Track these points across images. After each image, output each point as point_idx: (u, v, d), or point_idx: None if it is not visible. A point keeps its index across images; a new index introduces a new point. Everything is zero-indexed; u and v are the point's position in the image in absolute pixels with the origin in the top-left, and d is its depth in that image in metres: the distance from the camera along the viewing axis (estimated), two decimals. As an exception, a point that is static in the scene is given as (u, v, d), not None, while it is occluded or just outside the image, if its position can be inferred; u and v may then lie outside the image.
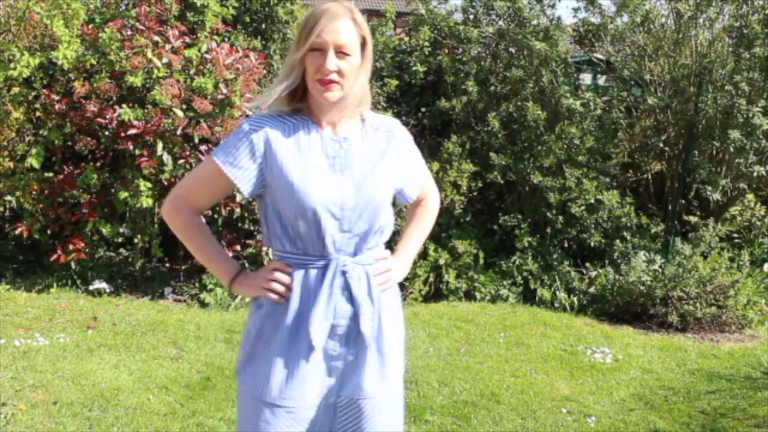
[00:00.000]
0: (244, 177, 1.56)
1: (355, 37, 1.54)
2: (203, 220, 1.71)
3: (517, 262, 5.49)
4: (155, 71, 4.54)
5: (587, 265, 5.49)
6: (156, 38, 4.66)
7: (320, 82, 1.52)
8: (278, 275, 1.59)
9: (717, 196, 5.47)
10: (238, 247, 4.97)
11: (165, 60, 4.56)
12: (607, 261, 5.44)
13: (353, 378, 1.62)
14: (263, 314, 1.62)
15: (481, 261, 5.56)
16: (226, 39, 5.38)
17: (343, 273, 1.58)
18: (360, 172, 1.58)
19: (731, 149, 5.40)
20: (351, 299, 1.59)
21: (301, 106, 1.61)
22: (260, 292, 1.60)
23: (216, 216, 4.89)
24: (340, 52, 1.52)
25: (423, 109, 6.23)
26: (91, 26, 4.77)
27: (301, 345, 1.57)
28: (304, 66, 1.54)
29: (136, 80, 4.47)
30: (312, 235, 1.55)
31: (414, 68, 6.09)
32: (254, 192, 1.59)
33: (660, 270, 5.02)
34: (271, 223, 1.60)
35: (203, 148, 4.76)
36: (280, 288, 1.58)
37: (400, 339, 1.72)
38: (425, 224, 1.87)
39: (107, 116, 4.52)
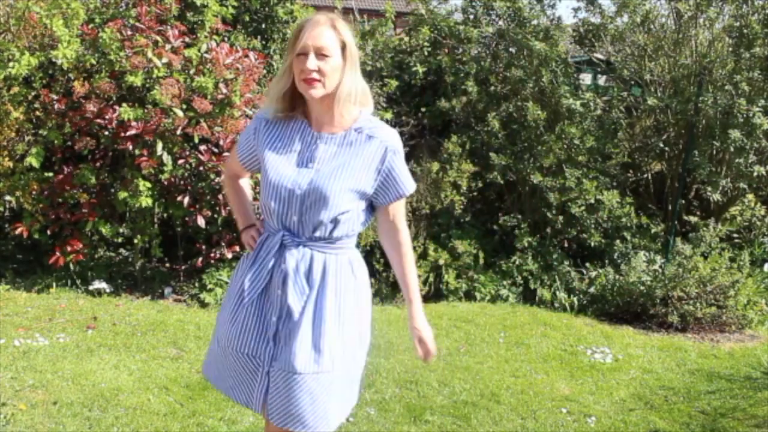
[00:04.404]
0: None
1: (335, 41, 1.77)
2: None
3: (517, 262, 5.49)
4: (155, 71, 4.53)
5: (587, 265, 5.48)
6: (156, 38, 4.65)
7: (305, 81, 1.76)
8: (253, 232, 2.02)
9: (717, 196, 5.47)
10: (238, 248, 4.96)
11: (165, 60, 4.55)
12: (607, 261, 5.43)
13: (285, 351, 1.83)
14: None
15: (481, 261, 5.56)
16: (225, 39, 5.38)
17: (283, 247, 1.85)
18: (320, 167, 1.81)
19: (731, 149, 5.40)
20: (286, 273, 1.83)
21: (302, 109, 1.89)
22: (245, 244, 2.04)
23: (216, 216, 4.88)
24: (320, 54, 1.75)
25: (423, 110, 6.23)
26: (91, 26, 4.77)
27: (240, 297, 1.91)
28: (293, 71, 1.79)
29: (136, 80, 4.47)
30: (269, 210, 1.87)
31: (414, 68, 6.08)
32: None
33: (660, 270, 5.02)
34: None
35: (203, 147, 4.76)
36: (253, 244, 1.97)
37: (351, 326, 1.88)
38: (410, 261, 2.00)
39: (107, 116, 4.51)
